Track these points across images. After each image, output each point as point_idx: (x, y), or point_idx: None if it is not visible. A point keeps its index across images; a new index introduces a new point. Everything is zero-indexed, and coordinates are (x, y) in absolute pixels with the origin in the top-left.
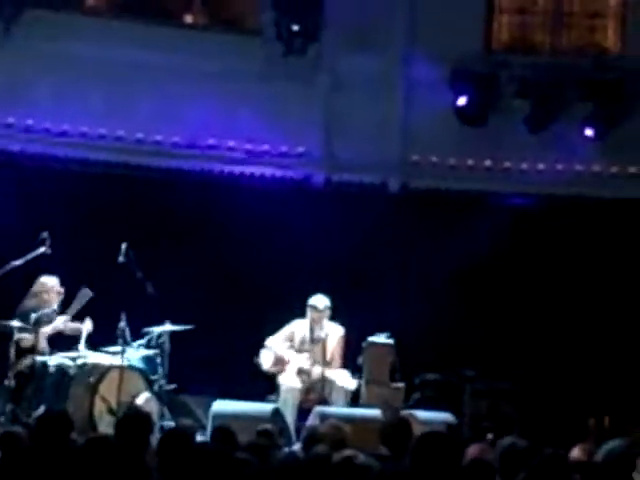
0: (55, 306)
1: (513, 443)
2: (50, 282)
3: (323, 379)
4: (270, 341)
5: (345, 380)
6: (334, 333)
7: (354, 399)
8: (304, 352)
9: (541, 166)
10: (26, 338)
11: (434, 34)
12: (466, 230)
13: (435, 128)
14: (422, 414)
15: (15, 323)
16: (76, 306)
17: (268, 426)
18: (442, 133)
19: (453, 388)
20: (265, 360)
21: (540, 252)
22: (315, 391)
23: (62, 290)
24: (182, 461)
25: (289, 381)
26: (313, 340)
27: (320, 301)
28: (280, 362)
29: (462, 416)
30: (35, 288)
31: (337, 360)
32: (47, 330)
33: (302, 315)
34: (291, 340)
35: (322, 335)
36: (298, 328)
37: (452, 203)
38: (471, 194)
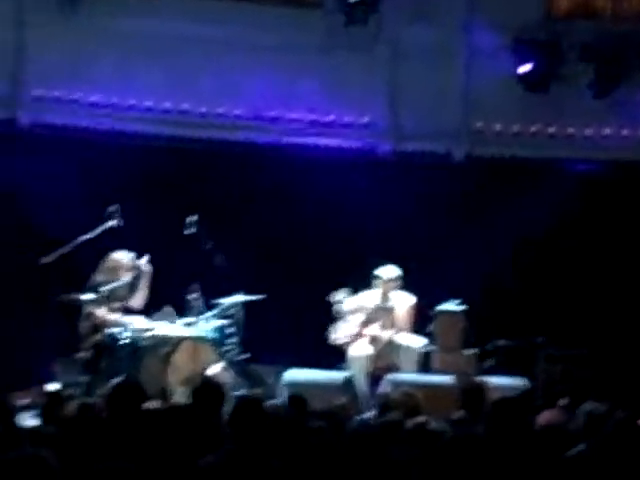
0: (127, 279)
1: (594, 408)
2: (122, 258)
3: (391, 343)
4: (341, 303)
5: (412, 340)
6: (404, 302)
7: (425, 366)
8: (374, 321)
9: (606, 132)
10: (98, 312)
11: (495, 2)
12: (531, 197)
13: (498, 95)
14: (495, 380)
15: (86, 296)
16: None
17: (344, 399)
18: (505, 100)
19: (525, 354)
20: (341, 332)
21: (607, 218)
22: (384, 358)
23: (137, 264)
24: (255, 429)
25: (359, 349)
26: (382, 309)
27: (386, 272)
28: (358, 334)
29: (535, 382)
30: (106, 264)
31: (405, 328)
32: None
33: (369, 285)
34: (360, 311)
35: (390, 305)
36: (367, 299)
37: (516, 170)
38: (535, 161)
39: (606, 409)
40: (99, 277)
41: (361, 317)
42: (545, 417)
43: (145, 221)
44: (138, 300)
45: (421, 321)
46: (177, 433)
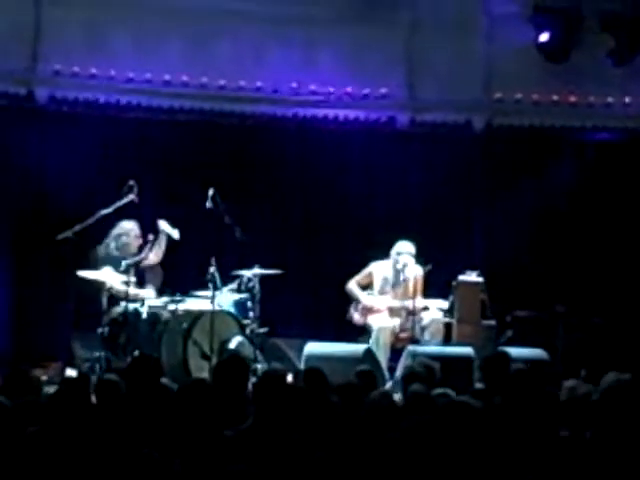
0: (135, 251)
1: (618, 378)
2: (128, 225)
3: (414, 309)
4: (350, 285)
5: (436, 302)
6: (414, 273)
7: (447, 337)
8: (386, 294)
9: (627, 99)
10: (118, 287)
11: None
12: (552, 166)
13: (518, 64)
14: (514, 351)
15: (107, 271)
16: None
17: (365, 367)
18: (525, 69)
19: (545, 324)
20: (354, 315)
21: (627, 186)
22: (406, 329)
23: (140, 234)
24: (277, 404)
25: (381, 321)
26: (396, 282)
27: (403, 247)
28: (368, 311)
29: (555, 352)
30: (114, 231)
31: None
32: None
33: (387, 257)
34: (370, 283)
35: (402, 277)
36: (377, 270)
37: (537, 140)
38: (556, 130)
39: (629, 379)
40: (110, 249)
41: (370, 288)
42: (567, 388)
43: (164, 195)
44: (153, 257)
45: (441, 292)
46: (200, 408)
